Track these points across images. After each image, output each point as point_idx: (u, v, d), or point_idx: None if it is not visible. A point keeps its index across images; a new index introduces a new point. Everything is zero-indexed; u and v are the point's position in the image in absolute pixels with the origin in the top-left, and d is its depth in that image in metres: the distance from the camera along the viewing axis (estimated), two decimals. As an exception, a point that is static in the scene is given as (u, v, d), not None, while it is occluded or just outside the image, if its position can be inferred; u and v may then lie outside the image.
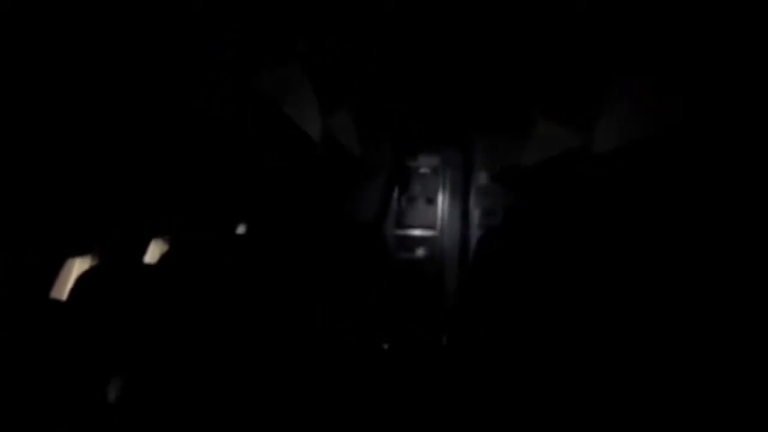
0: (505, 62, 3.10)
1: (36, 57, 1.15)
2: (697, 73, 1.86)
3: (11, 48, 1.09)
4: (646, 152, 2.07)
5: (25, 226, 1.49)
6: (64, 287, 1.66)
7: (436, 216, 5.26)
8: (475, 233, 4.81)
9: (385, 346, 4.06)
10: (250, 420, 1.39)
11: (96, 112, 1.43)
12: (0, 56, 1.08)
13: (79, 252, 1.89)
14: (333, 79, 2.83)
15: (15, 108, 1.22)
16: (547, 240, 3.42)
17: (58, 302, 1.22)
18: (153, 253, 2.38)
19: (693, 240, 2.18)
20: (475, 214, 4.82)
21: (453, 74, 3.55)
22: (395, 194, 5.12)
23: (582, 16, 2.09)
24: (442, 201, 5.21)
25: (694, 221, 2.17)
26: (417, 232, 5.24)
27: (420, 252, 5.26)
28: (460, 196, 5.12)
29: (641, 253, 2.53)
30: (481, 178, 4.74)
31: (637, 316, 2.40)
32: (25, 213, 1.47)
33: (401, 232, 5.18)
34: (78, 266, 1.94)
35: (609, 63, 2.16)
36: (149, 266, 1.92)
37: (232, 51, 1.65)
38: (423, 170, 5.22)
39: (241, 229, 3.44)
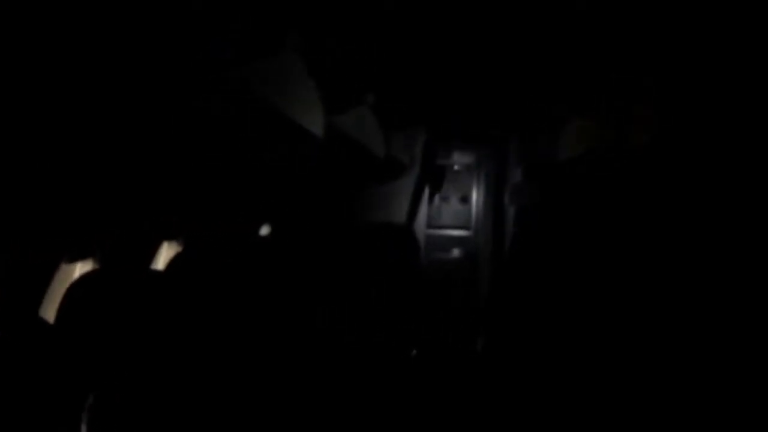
0: (535, 57, 2.96)
1: (36, 56, 1.14)
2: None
3: (10, 48, 1.08)
4: (684, 145, 1.96)
5: (21, 226, 1.47)
6: (59, 292, 1.55)
7: (470, 215, 5.11)
8: (510, 232, 4.63)
9: (414, 352, 3.94)
10: (253, 421, 1.39)
11: (97, 109, 1.42)
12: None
13: (78, 256, 1.85)
14: (351, 73, 2.73)
15: (14, 107, 1.21)
16: (583, 239, 3.28)
17: (44, 317, 1.22)
18: (165, 256, 2.31)
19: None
20: (510, 213, 4.65)
21: (486, 69, 3.41)
22: (427, 193, 4.98)
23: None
24: (476, 200, 5.06)
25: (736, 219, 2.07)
26: (451, 232, 5.10)
27: (455, 253, 5.12)
28: (495, 195, 4.94)
29: (680, 250, 2.40)
30: (516, 175, 4.56)
31: (680, 317, 2.30)
32: (22, 213, 1.45)
33: (433, 232, 5.04)
34: (78, 271, 1.88)
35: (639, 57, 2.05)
36: (152, 271, 1.87)
37: (232, 51, 1.62)
38: (457, 168, 5.09)
39: (261, 231, 3.38)
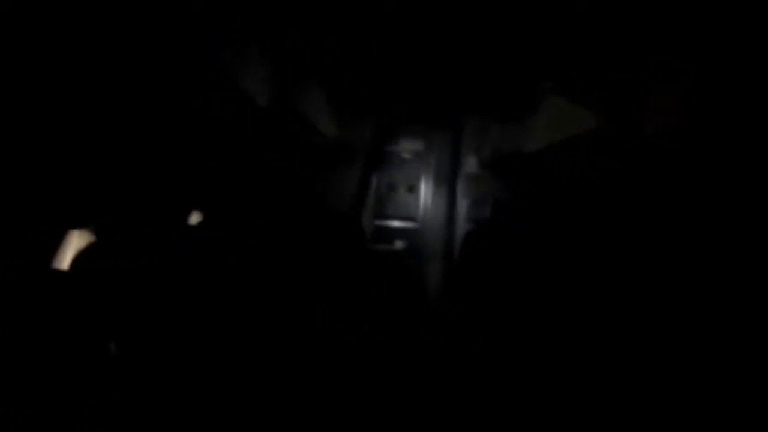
0: (507, 28, 2.67)
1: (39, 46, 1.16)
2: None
3: (12, 46, 1.13)
4: (691, 141, 1.77)
5: (27, 198, 1.52)
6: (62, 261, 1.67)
7: (417, 206, 4.83)
8: (462, 226, 4.36)
9: (363, 341, 3.68)
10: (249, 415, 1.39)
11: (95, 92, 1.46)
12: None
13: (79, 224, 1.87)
14: (302, 51, 2.44)
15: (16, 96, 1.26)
16: (543, 237, 3.08)
17: (59, 273, 1.20)
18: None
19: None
20: (463, 205, 4.37)
21: (442, 45, 3.10)
22: (374, 182, 4.64)
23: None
24: (425, 190, 4.78)
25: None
26: (397, 223, 4.81)
27: (398, 244, 4.84)
28: (446, 185, 4.64)
29: (651, 258, 2.30)
30: (470, 164, 4.28)
31: (636, 319, 2.25)
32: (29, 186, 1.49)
33: (380, 222, 4.73)
34: (77, 240, 1.91)
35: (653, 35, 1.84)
36: (151, 243, 1.84)
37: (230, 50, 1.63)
38: (405, 155, 4.79)
39: (193, 219, 3.00)
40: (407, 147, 4.76)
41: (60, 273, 1.33)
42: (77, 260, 1.60)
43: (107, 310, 1.38)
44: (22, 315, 1.06)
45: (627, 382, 2.24)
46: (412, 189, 4.87)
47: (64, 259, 1.71)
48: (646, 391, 2.15)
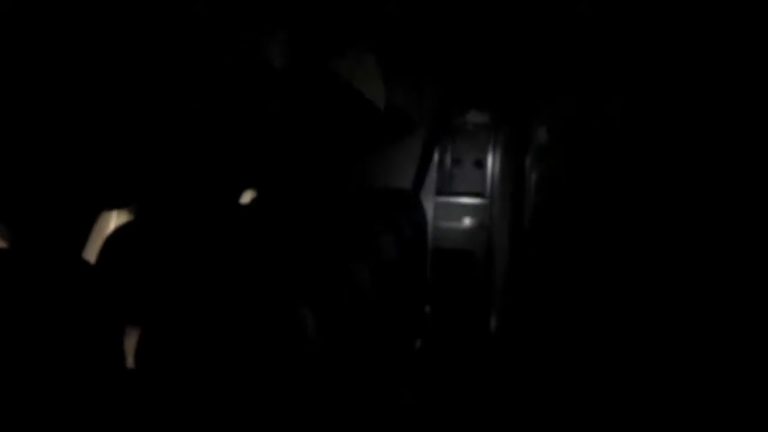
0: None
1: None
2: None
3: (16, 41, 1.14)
4: None
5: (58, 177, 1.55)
6: (96, 243, 1.71)
7: (485, 181, 4.58)
8: (531, 202, 4.07)
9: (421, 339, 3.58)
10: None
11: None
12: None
13: (117, 205, 1.92)
14: (350, 7, 2.26)
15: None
16: (614, 214, 2.83)
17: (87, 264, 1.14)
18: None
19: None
20: (532, 180, 4.07)
21: (511, 14, 2.85)
22: (437, 155, 4.42)
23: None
24: (492, 164, 4.52)
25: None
26: (463, 200, 4.58)
27: (466, 222, 4.62)
28: (514, 159, 4.35)
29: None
30: (541, 137, 3.97)
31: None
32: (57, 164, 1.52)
33: (444, 199, 4.51)
34: (115, 220, 1.95)
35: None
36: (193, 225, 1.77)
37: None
38: (470, 127, 4.52)
39: (243, 198, 2.92)
40: (473, 119, 4.50)
41: (86, 265, 1.28)
42: (109, 246, 1.58)
43: (134, 304, 1.37)
44: (40, 311, 1.00)
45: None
46: (480, 164, 4.62)
47: (95, 246, 1.71)
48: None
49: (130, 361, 1.22)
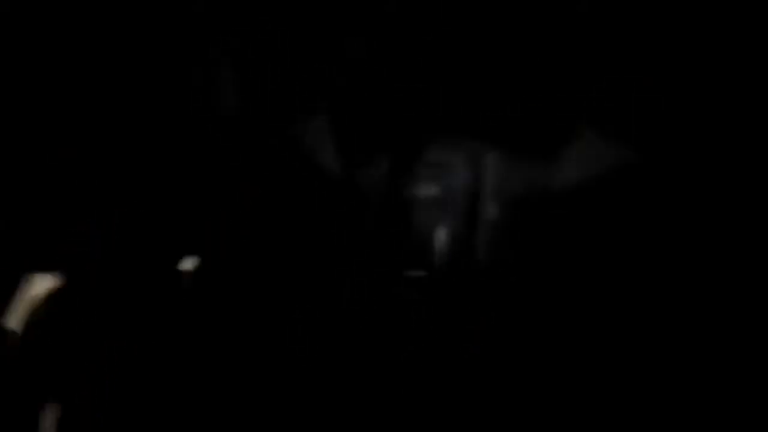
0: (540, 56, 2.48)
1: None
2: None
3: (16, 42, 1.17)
4: None
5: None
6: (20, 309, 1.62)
7: (433, 255, 4.54)
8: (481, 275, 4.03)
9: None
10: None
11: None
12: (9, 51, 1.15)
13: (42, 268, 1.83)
14: (304, 75, 2.27)
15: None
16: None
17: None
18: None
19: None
20: (483, 253, 4.05)
21: (460, 73, 2.88)
22: (386, 229, 4.36)
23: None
24: (441, 237, 4.49)
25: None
26: (410, 274, 4.50)
27: (413, 296, 4.53)
28: (466, 232, 4.33)
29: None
30: (492, 209, 3.98)
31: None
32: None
33: (391, 272, 4.43)
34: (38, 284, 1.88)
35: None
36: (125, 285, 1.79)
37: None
38: (421, 199, 4.52)
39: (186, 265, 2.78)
40: (423, 191, 4.50)
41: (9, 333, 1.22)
42: (36, 317, 1.52)
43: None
44: None
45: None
46: (428, 236, 4.58)
47: (19, 309, 1.64)
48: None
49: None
